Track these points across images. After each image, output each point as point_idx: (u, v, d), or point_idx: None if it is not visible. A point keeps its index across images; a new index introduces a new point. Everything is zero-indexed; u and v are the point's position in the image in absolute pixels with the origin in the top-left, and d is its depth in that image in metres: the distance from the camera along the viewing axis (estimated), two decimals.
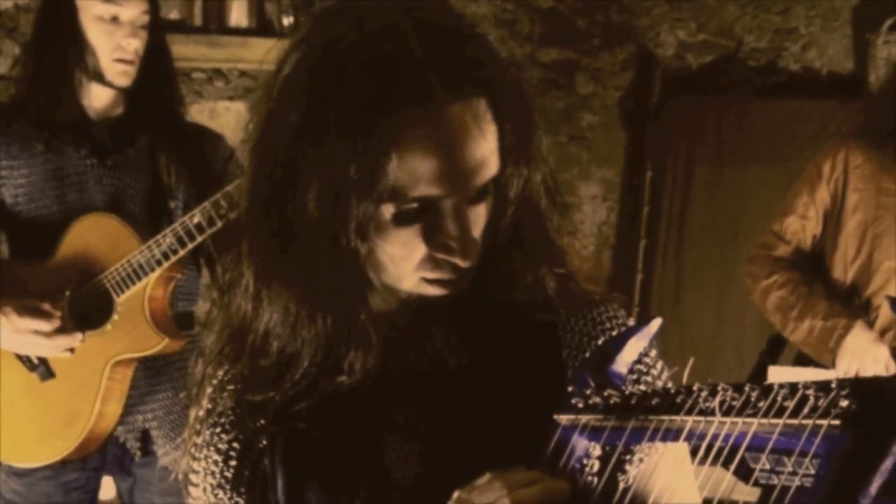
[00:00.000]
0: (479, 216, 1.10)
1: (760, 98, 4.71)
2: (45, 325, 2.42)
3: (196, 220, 2.32)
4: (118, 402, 2.53)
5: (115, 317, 2.48)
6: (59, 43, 2.46)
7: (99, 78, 2.47)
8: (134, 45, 2.42)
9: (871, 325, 2.74)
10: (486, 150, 1.05)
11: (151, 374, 2.60)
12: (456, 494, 1.03)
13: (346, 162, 1.00)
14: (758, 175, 4.60)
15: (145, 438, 2.63)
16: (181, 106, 2.65)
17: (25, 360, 2.52)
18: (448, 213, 1.05)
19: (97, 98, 2.52)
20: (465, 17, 1.10)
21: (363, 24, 1.04)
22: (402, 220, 1.05)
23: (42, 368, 2.51)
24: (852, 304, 2.81)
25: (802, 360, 2.88)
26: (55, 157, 2.53)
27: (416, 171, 1.01)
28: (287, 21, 4.59)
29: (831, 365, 2.77)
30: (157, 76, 2.55)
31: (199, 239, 2.34)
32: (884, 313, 2.75)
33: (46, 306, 2.44)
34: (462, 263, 1.08)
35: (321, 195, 1.03)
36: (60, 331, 2.45)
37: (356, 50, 1.02)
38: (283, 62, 1.09)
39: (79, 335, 2.46)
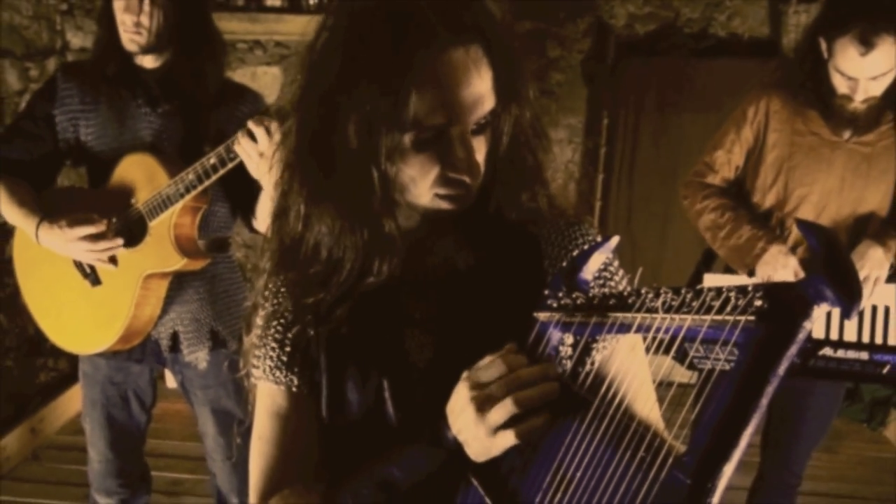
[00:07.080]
0: (481, 144, 1.12)
1: (695, 59, 4.66)
2: (91, 229, 2.43)
3: (212, 161, 2.31)
4: (153, 307, 2.57)
5: (148, 238, 2.48)
6: (105, 19, 2.48)
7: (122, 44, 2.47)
8: (134, 20, 2.40)
9: (784, 241, 2.75)
10: (483, 87, 1.07)
11: (182, 286, 2.62)
12: (465, 374, 1.06)
13: (376, 99, 1.02)
14: (693, 121, 4.58)
15: (175, 338, 2.66)
16: (220, 68, 2.60)
17: (80, 269, 2.56)
18: (456, 139, 1.07)
19: (145, 60, 2.52)
20: None
21: None
22: (419, 146, 1.07)
23: (93, 276, 2.56)
24: (769, 223, 2.81)
25: (730, 269, 2.90)
26: (116, 104, 2.53)
27: (431, 102, 1.03)
28: (314, 0, 4.54)
29: (750, 274, 2.79)
30: (195, 43, 2.51)
31: (214, 177, 2.33)
32: (795, 232, 2.75)
33: (94, 216, 2.46)
34: (468, 180, 1.10)
35: (358, 128, 1.04)
36: (104, 238, 2.46)
37: (376, 10, 1.04)
38: (319, 32, 1.10)
39: (119, 241, 2.47)
